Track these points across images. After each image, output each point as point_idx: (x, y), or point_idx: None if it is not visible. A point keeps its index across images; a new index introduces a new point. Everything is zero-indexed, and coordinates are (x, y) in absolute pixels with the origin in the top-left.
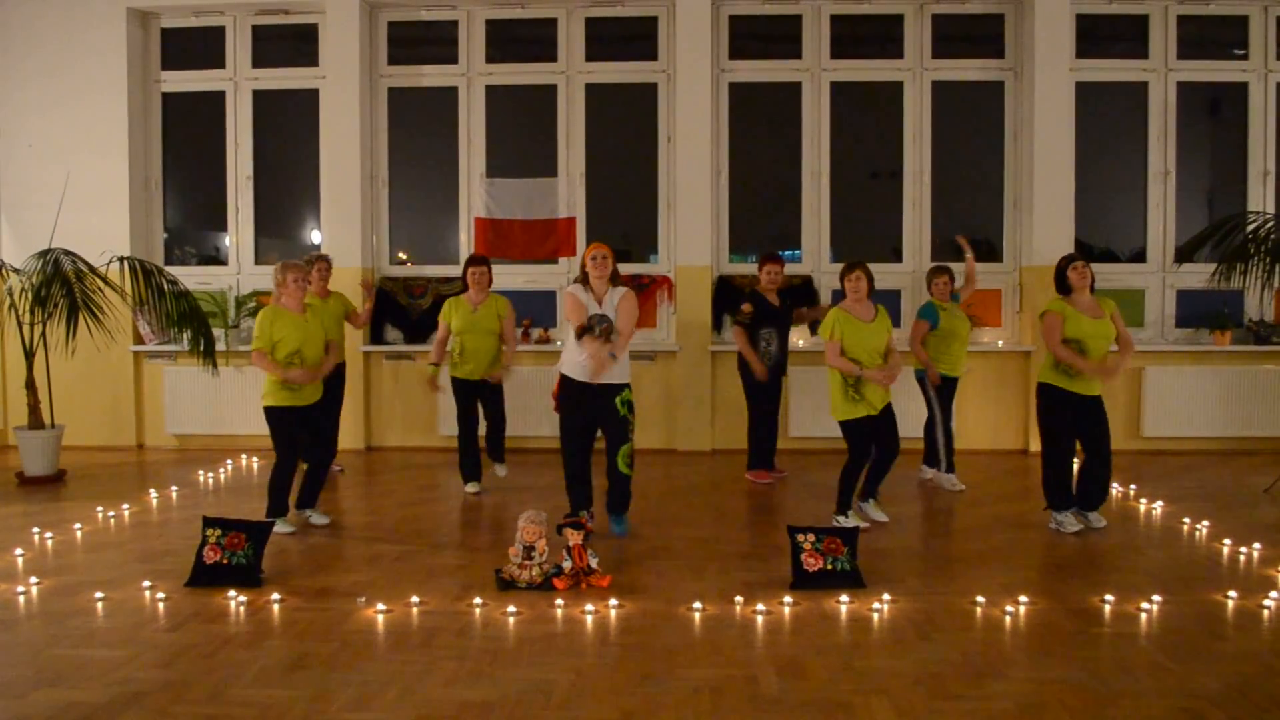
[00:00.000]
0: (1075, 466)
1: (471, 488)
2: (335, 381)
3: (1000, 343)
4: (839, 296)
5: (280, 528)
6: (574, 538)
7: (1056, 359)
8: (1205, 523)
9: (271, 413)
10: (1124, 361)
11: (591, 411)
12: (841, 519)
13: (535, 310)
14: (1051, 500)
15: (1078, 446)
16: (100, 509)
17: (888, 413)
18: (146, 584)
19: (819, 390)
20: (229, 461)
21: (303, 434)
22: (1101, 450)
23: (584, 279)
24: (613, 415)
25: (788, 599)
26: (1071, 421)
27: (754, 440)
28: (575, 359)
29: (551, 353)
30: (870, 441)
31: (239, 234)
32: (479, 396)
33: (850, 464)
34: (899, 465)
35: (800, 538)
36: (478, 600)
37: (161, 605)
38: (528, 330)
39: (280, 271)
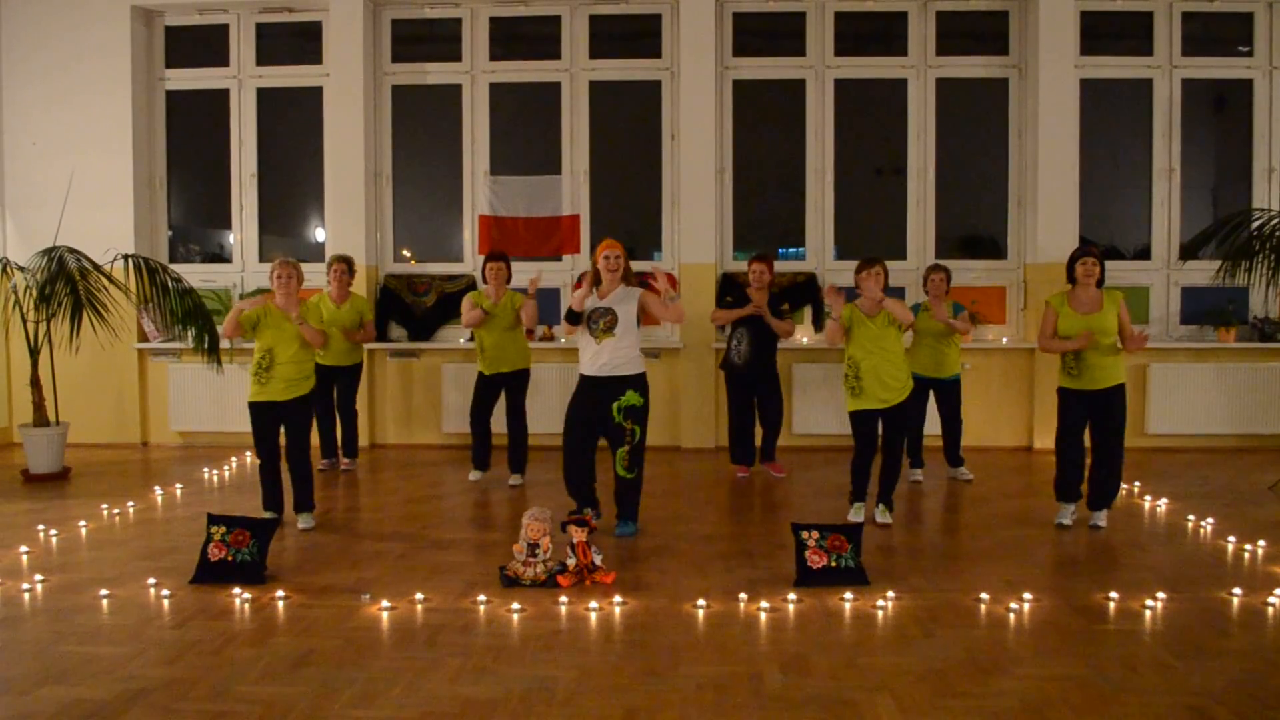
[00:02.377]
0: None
1: (473, 475)
2: (346, 380)
3: (1005, 339)
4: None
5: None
6: (578, 535)
7: (1042, 349)
8: (1210, 520)
9: (249, 408)
10: (1117, 348)
11: (594, 408)
12: (850, 511)
13: (539, 307)
14: (1056, 492)
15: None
16: (105, 506)
17: (896, 414)
18: (151, 581)
19: (822, 387)
20: (233, 459)
21: (274, 430)
22: (1103, 451)
23: (595, 275)
24: (608, 419)
25: (791, 596)
26: (1081, 420)
27: (730, 434)
28: (584, 354)
29: (554, 350)
30: (872, 435)
31: (243, 232)
32: (498, 394)
33: (855, 456)
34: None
35: (804, 535)
36: (482, 597)
37: (166, 602)
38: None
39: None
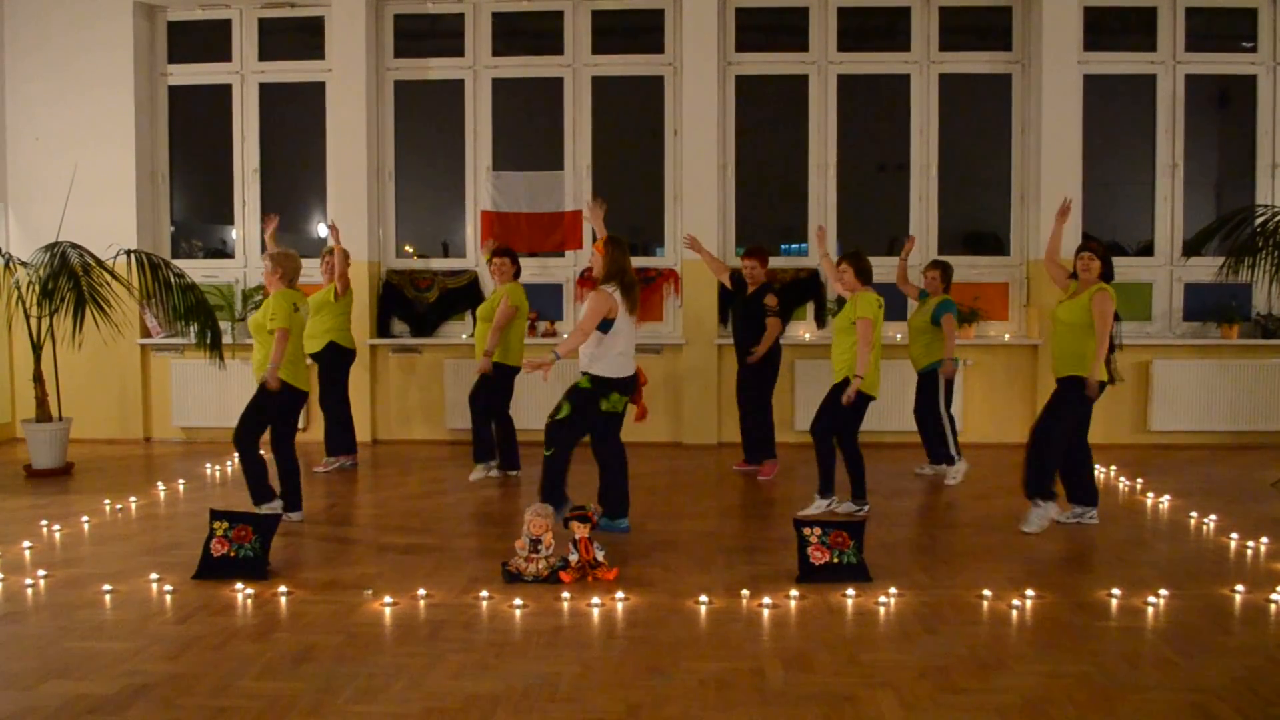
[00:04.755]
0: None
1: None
2: (319, 370)
3: (1006, 336)
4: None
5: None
6: (580, 531)
7: None
8: (1212, 517)
9: None
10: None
11: None
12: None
13: (542, 303)
14: None
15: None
16: (108, 502)
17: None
18: (154, 576)
19: (826, 383)
20: (235, 454)
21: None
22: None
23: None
24: None
25: (793, 592)
26: None
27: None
28: None
29: (547, 346)
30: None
31: (245, 227)
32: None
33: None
34: (897, 460)
35: (806, 531)
36: (484, 593)
37: (169, 598)
38: (534, 323)
39: None
